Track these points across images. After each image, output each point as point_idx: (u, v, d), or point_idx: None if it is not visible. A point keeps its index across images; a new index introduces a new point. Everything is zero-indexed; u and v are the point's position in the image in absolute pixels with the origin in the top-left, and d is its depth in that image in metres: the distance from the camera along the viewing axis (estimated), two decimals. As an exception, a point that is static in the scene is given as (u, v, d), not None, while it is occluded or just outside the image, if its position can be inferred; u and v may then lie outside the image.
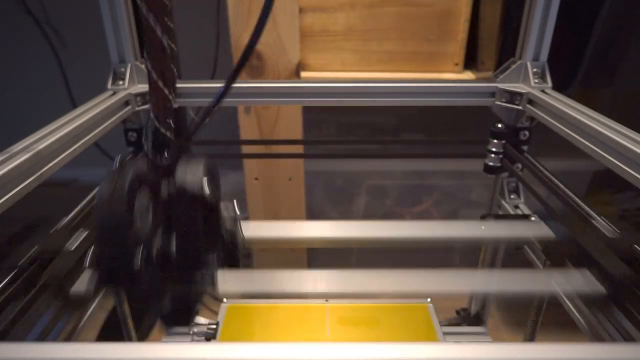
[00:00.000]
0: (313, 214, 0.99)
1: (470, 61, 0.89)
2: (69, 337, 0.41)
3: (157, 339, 1.00)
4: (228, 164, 1.40)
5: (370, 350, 0.21)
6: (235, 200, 0.36)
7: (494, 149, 0.64)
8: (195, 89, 0.63)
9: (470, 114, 0.67)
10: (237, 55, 0.81)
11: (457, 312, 0.80)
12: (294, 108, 0.87)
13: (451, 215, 1.14)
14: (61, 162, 0.45)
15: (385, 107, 0.64)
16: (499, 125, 0.63)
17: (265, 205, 0.96)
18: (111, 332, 0.90)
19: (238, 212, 0.36)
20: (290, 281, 0.40)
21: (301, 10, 0.79)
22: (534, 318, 0.50)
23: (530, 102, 0.60)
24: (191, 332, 0.72)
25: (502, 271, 0.44)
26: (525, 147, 0.63)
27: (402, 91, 0.63)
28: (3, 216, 0.37)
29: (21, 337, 0.37)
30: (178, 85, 0.63)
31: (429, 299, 0.75)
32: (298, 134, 0.89)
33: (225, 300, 0.75)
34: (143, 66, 0.62)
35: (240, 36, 0.80)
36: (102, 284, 0.32)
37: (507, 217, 0.60)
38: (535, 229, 0.55)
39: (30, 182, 0.40)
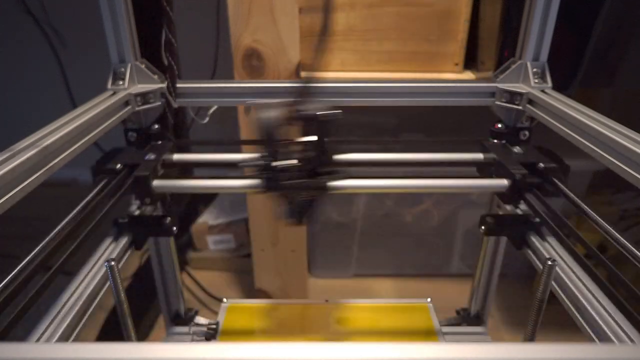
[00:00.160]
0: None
1: (470, 61, 0.89)
2: (69, 337, 0.41)
3: (157, 339, 1.00)
4: (228, 164, 1.40)
5: (370, 350, 0.21)
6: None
7: (494, 149, 0.63)
8: (195, 89, 0.63)
9: (471, 114, 0.67)
10: (237, 55, 0.81)
11: (457, 312, 0.80)
12: (294, 108, 0.87)
13: (451, 215, 1.14)
14: (61, 162, 0.45)
15: (385, 107, 0.64)
16: (499, 125, 0.63)
17: (265, 205, 0.96)
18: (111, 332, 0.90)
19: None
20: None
21: (301, 10, 0.80)
22: (534, 318, 0.50)
23: (530, 102, 0.60)
24: (191, 332, 0.72)
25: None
26: (525, 147, 0.63)
27: (402, 91, 0.63)
28: (4, 216, 0.37)
29: (21, 338, 0.37)
30: (178, 85, 0.63)
31: (429, 299, 0.75)
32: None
33: (225, 300, 0.75)
34: (143, 66, 0.62)
35: (240, 36, 0.80)
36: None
37: (507, 217, 0.60)
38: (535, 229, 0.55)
39: (30, 182, 0.40)
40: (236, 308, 0.74)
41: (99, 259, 0.50)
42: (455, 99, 0.63)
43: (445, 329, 0.72)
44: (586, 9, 0.82)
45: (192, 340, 0.71)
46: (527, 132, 0.62)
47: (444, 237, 1.18)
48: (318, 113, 0.45)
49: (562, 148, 0.55)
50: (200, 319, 0.76)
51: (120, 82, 0.61)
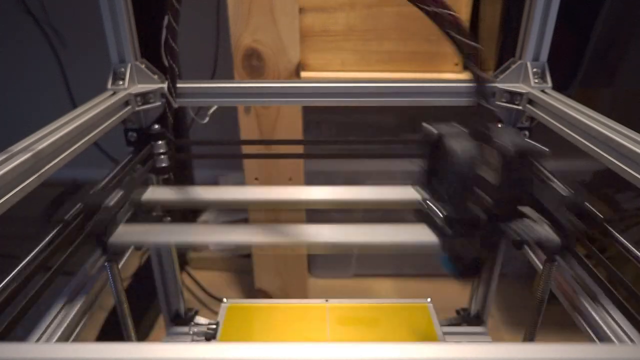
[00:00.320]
0: (313, 214, 0.99)
1: (470, 61, 0.89)
2: (69, 337, 0.41)
3: (157, 339, 1.00)
4: (228, 164, 1.40)
5: (370, 350, 0.21)
6: None
7: (494, 149, 0.63)
8: (195, 89, 0.63)
9: (470, 114, 0.67)
10: (237, 55, 0.81)
11: (457, 312, 0.80)
12: (294, 108, 0.87)
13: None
14: (61, 162, 0.45)
15: (385, 107, 0.64)
16: (499, 126, 0.63)
17: (265, 205, 0.96)
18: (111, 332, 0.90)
19: None
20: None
21: (301, 10, 0.80)
22: (534, 318, 0.50)
23: (530, 102, 0.60)
24: (191, 332, 0.72)
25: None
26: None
27: (402, 91, 0.63)
28: (4, 216, 0.37)
29: (21, 338, 0.37)
30: (178, 85, 0.63)
31: (429, 299, 0.75)
32: (298, 134, 0.89)
33: (225, 300, 0.75)
34: (143, 66, 0.62)
35: (240, 36, 0.80)
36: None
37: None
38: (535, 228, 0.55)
39: (30, 182, 0.40)
40: (236, 308, 0.74)
41: (99, 259, 0.50)
42: (455, 99, 0.63)
43: (445, 329, 0.72)
44: (586, 9, 0.82)
45: (192, 340, 0.71)
46: (527, 132, 0.62)
47: (444, 237, 1.18)
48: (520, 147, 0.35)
49: (562, 148, 0.55)
50: (200, 319, 0.77)
51: (120, 82, 0.61)
